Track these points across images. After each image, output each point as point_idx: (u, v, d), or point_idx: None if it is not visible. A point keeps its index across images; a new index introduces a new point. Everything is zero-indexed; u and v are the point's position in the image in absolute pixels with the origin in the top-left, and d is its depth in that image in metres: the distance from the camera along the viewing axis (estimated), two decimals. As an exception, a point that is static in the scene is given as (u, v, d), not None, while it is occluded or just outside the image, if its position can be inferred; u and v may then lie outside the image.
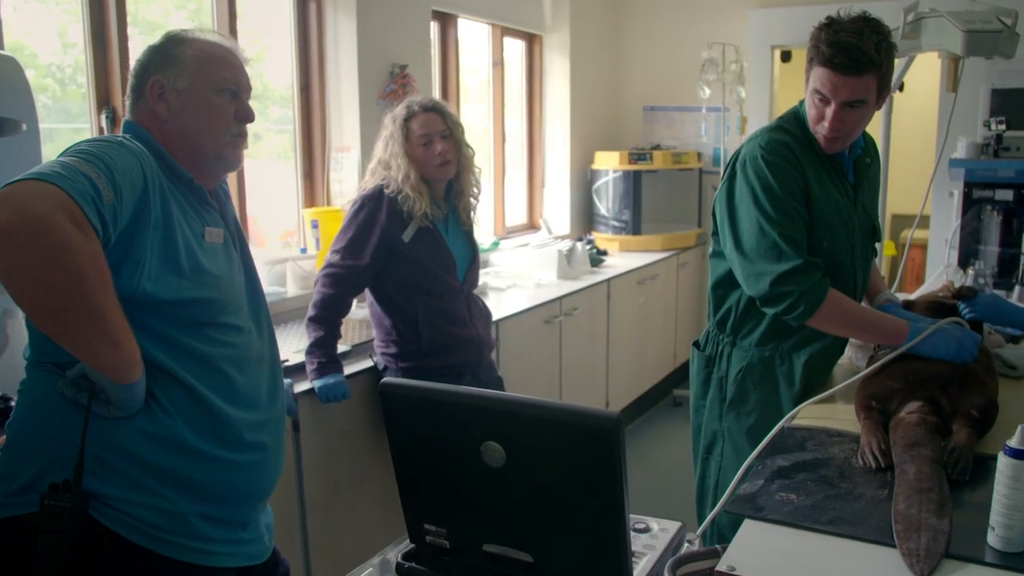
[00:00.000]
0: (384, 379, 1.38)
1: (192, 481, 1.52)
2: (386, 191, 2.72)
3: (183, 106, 1.60)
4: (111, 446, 1.46)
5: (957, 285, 2.47)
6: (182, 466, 1.51)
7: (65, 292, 1.25)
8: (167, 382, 1.50)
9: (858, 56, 2.00)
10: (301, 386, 2.63)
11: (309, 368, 2.68)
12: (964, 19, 2.80)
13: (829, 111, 2.09)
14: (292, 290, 3.49)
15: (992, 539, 1.35)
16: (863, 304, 2.34)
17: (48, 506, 1.39)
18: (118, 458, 1.46)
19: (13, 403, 2.01)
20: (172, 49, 1.61)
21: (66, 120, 2.99)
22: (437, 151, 2.73)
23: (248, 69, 1.71)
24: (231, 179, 3.37)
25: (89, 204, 1.29)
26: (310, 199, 3.83)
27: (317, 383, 2.66)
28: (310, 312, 2.73)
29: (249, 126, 1.70)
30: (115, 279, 1.36)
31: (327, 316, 2.72)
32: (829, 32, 2.03)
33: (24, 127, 2.08)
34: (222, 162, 1.67)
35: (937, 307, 2.28)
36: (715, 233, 2.31)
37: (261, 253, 3.54)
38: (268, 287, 3.40)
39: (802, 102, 2.21)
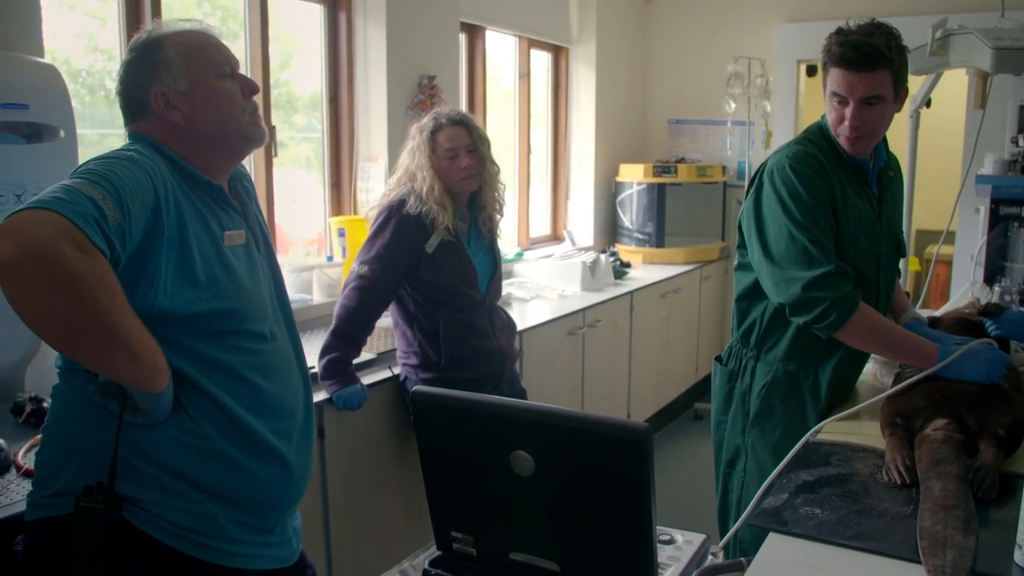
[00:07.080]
0: (416, 387, 1.40)
1: (221, 488, 1.54)
2: (409, 208, 2.70)
3: (194, 104, 1.57)
4: (142, 453, 1.47)
5: (983, 302, 2.47)
6: (212, 473, 1.52)
7: (77, 317, 1.25)
8: (193, 392, 1.51)
9: (869, 51, 2.05)
10: (320, 395, 2.63)
11: (326, 380, 2.66)
12: (993, 36, 2.79)
13: (848, 111, 2.12)
14: (318, 297, 3.53)
15: (1019, 557, 1.35)
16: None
17: (82, 508, 1.41)
18: (149, 465, 1.48)
19: (46, 404, 2.06)
20: (153, 55, 1.56)
21: (93, 126, 3.01)
22: (462, 165, 2.73)
23: (228, 44, 1.66)
24: (258, 186, 3.42)
25: (92, 226, 1.28)
26: (337, 208, 3.87)
27: (336, 393, 2.65)
28: (335, 324, 2.70)
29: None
30: (130, 297, 1.36)
31: (351, 333, 2.70)
32: (840, 36, 2.11)
33: (62, 133, 2.13)
34: (250, 141, 1.66)
35: (964, 324, 2.28)
36: (740, 246, 2.32)
37: (285, 260, 3.58)
38: (294, 294, 3.43)
39: (824, 115, 2.23)
